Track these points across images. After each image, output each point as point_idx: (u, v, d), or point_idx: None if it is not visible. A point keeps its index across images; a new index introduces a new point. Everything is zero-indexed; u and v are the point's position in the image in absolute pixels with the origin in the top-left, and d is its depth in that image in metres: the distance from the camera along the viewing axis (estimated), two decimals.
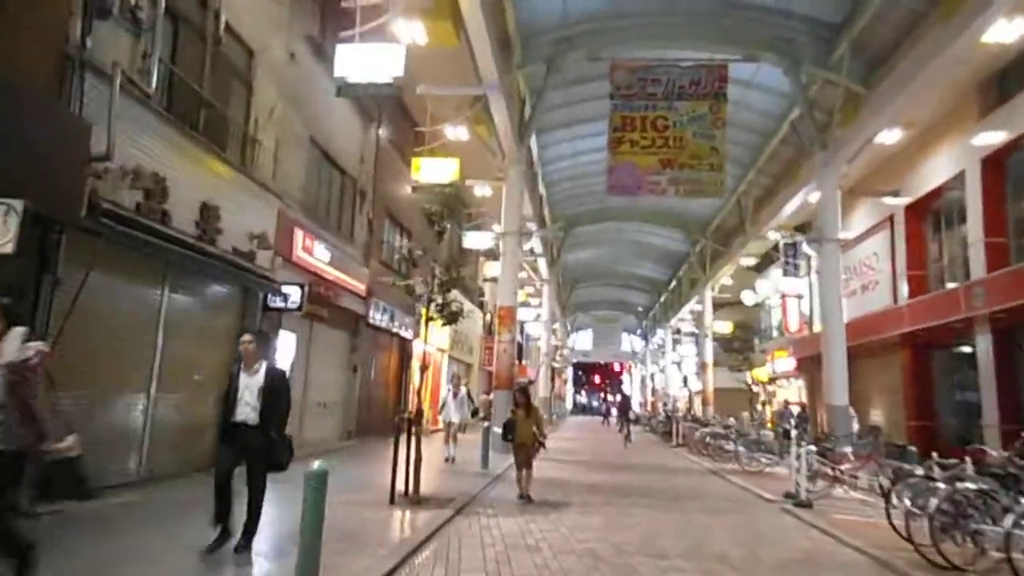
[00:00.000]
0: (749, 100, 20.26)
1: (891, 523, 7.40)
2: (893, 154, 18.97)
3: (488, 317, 33.25)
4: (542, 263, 29.84)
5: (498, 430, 17.02)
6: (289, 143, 12.23)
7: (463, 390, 13.59)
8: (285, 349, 12.03)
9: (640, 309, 57.08)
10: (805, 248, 17.06)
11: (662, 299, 46.43)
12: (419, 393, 9.58)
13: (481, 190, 21.34)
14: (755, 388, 33.39)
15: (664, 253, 38.74)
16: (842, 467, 10.96)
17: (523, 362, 38.85)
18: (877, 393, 21.28)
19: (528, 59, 17.37)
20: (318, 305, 13.63)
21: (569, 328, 57.66)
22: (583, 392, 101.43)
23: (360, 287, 15.69)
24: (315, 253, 13.15)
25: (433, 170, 13.71)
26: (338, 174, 14.85)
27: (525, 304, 33.33)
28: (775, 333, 31.10)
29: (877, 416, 21.04)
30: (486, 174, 18.97)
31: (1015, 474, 6.92)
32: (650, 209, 31.02)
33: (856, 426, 12.39)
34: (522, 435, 9.04)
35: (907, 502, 6.80)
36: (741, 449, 15.19)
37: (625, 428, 25.69)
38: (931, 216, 18.97)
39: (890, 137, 16.96)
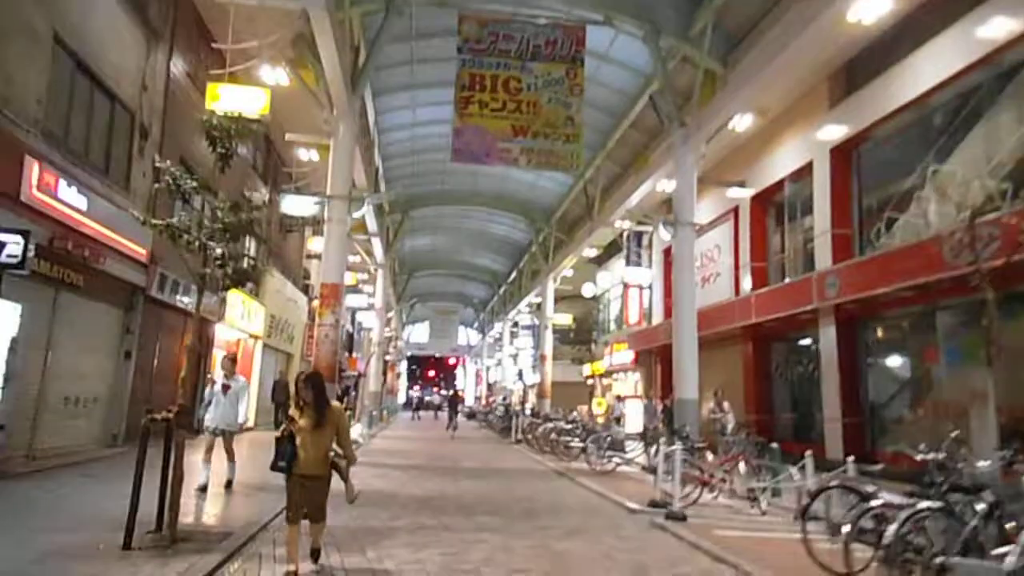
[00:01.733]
0: (603, 75, 18.89)
1: (808, 548, 5.75)
2: (741, 144, 18.43)
3: (313, 303, 29.79)
4: (377, 245, 26.96)
5: None
6: (15, 35, 8.66)
7: (239, 380, 8.81)
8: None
9: (478, 301, 55.56)
10: (661, 232, 15.82)
11: (501, 291, 45.06)
12: (185, 384, 6.65)
13: (307, 154, 18.26)
14: (590, 382, 32.81)
15: (506, 243, 37.23)
16: (710, 469, 9.47)
17: (354, 354, 35.61)
18: (717, 387, 20.82)
19: None
20: (67, 267, 10.07)
21: (405, 319, 54.83)
22: (417, 386, 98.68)
23: (139, 251, 12.15)
24: (63, 196, 9.61)
25: (235, 100, 10.61)
26: (106, 99, 11.23)
27: (357, 290, 30.26)
28: (612, 326, 30.57)
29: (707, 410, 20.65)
30: (311, 130, 15.97)
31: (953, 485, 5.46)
32: (494, 194, 29.22)
33: (731, 422, 11.14)
34: (309, 460, 4.82)
35: (846, 526, 5.10)
36: (591, 447, 13.54)
37: (453, 420, 27.05)
38: (775, 208, 18.64)
39: (743, 123, 16.26)
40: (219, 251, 6.33)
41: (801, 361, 17.27)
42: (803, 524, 5.97)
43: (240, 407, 8.59)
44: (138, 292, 12.47)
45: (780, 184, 17.63)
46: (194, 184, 6.31)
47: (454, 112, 15.31)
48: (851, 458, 8.63)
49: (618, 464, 13.01)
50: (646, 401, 18.18)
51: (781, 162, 17.24)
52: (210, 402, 8.54)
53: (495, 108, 15.25)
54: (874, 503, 5.16)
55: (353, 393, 31.55)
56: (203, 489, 8.24)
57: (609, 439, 13.28)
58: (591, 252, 28.64)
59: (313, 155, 18.17)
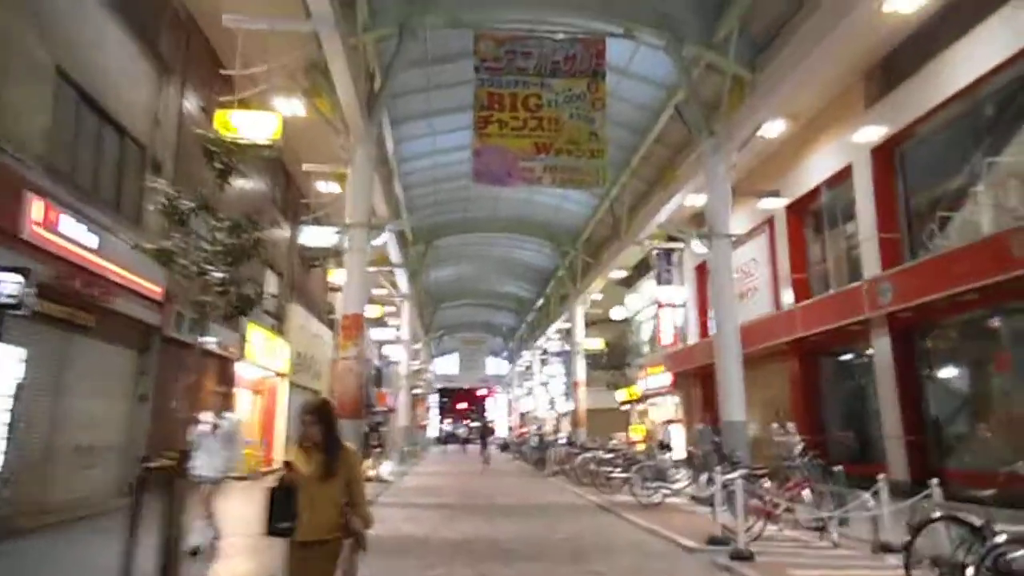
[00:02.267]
0: (624, 90, 18.25)
1: None
2: (773, 152, 17.62)
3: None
4: (401, 276, 26.43)
5: None
6: (15, 69, 8.25)
7: (230, 419, 7.50)
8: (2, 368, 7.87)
9: (506, 330, 54.78)
10: (694, 246, 14.97)
11: (529, 319, 44.27)
12: (187, 427, 5.96)
13: (327, 187, 17.79)
14: (626, 407, 31.69)
15: (532, 269, 36.56)
16: (774, 498, 8.49)
17: (382, 388, 34.92)
18: (758, 407, 19.65)
19: (377, 21, 14.26)
20: (75, 307, 9.55)
21: (433, 351, 54.18)
22: (448, 419, 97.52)
23: (154, 289, 11.63)
24: (69, 232, 9.12)
25: (246, 126, 10.10)
26: (114, 132, 10.82)
27: (382, 323, 29.71)
28: (646, 349, 29.54)
29: (753, 430, 19.43)
30: (329, 159, 15.51)
31: None
32: (517, 218, 28.61)
33: (799, 445, 10.15)
34: (315, 521, 3.42)
35: (970, 567, 4.17)
36: (635, 478, 12.57)
37: (484, 452, 27.68)
38: (812, 217, 17.70)
39: (774, 129, 15.44)
40: (217, 275, 5.68)
41: (853, 376, 16.16)
42: (906, 560, 5.04)
43: (233, 450, 7.18)
44: (153, 332, 11.93)
45: (816, 191, 16.73)
46: (192, 204, 5.69)
47: (473, 133, 14.73)
48: (935, 481, 7.64)
49: (666, 496, 12.02)
50: (700, 425, 17.04)
51: (817, 168, 16.35)
52: (195, 445, 6.94)
53: (515, 127, 14.65)
54: (999, 539, 4.22)
55: (384, 429, 30.84)
56: (197, 551, 6.85)
57: (654, 469, 12.30)
58: (620, 274, 27.78)
59: (334, 188, 17.74)
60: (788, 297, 17.73)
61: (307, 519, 3.38)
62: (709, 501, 11.99)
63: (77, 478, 9.90)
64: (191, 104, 13.14)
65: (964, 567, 4.23)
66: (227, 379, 15.87)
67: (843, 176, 15.40)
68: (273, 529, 3.33)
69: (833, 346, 16.39)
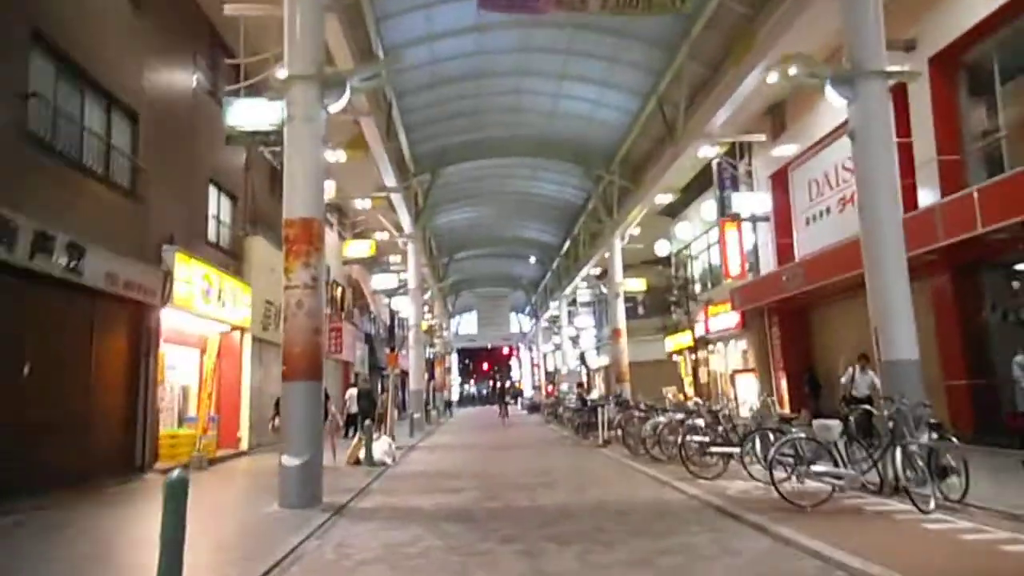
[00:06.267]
0: None
1: None
2: None
3: (339, 290, 24.30)
4: (402, 209, 21.22)
5: (290, 461, 8.43)
6: None
7: None
8: None
9: (528, 282, 49.42)
10: (777, 150, 9.41)
11: (555, 266, 38.86)
12: None
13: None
14: (676, 358, 26.56)
15: (556, 207, 31.07)
16: None
17: (394, 351, 30.04)
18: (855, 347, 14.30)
19: None
20: None
21: (451, 309, 49.15)
22: (471, 381, 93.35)
23: None
24: None
25: None
26: None
27: (383, 267, 24.60)
28: (699, 288, 24.18)
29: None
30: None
31: None
32: (540, 138, 23.05)
33: None
34: None
35: None
36: (755, 456, 7.35)
37: (503, 409, 31.31)
38: (970, 71, 12.14)
39: None
40: None
41: None
42: None
43: None
44: None
45: (980, 29, 11.16)
46: None
47: None
48: None
49: (835, 489, 6.82)
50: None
51: None
52: None
53: None
54: None
55: (397, 393, 26.01)
56: None
57: (812, 444, 7.01)
58: (664, 199, 22.41)
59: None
60: (928, 192, 12.30)
61: None
62: (893, 488, 6.90)
63: None
64: None
65: None
66: (144, 332, 10.88)
67: None
68: None
69: (1012, 252, 11.00)
